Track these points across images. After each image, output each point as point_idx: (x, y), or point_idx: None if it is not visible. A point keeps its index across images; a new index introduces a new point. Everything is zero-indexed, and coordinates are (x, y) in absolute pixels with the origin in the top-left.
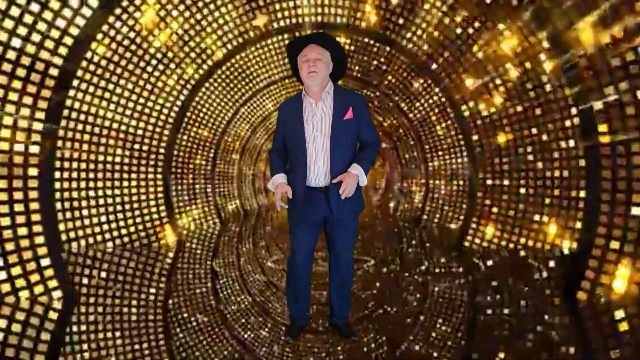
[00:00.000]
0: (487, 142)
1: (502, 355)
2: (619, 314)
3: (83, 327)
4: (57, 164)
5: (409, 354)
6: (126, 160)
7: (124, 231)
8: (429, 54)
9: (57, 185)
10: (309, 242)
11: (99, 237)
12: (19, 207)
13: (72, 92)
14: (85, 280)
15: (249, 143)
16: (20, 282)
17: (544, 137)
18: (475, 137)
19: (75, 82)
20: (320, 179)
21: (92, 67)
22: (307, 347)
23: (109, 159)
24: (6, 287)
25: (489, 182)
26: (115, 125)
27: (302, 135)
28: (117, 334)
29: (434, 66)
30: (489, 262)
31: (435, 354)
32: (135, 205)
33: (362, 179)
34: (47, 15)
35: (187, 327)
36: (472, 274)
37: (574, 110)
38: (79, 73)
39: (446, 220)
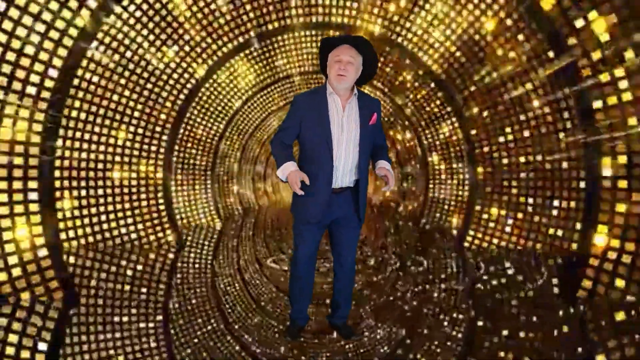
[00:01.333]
0: (491, 183)
1: (502, 354)
2: (620, 314)
3: (83, 328)
4: (57, 162)
5: (412, 351)
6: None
7: (123, 230)
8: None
9: (58, 184)
10: (313, 241)
11: (98, 237)
12: (18, 208)
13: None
14: (85, 281)
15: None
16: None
17: (548, 193)
18: (480, 170)
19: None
20: (340, 179)
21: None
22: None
23: (110, 147)
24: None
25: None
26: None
27: (329, 134)
28: (117, 334)
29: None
30: (489, 262)
31: (435, 353)
32: (135, 203)
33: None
34: None
35: (187, 327)
36: (472, 274)
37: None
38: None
39: (446, 220)
